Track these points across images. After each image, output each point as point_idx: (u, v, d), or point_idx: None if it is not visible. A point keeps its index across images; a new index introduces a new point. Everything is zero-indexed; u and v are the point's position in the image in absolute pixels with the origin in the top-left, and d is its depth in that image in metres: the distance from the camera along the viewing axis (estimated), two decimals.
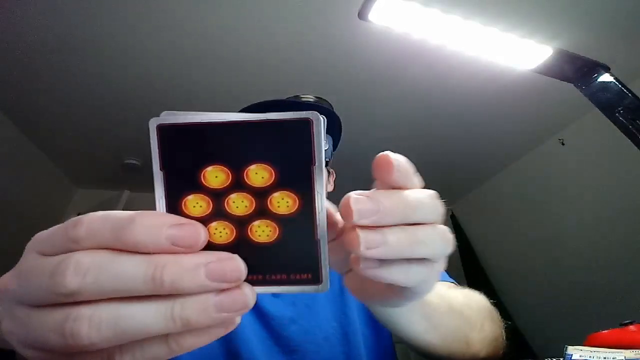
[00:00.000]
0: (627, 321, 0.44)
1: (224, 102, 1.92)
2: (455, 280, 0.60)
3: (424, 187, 0.21)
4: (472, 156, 2.45)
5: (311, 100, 0.80)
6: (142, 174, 2.64)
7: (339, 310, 0.57)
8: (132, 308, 0.16)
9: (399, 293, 0.22)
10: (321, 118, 0.18)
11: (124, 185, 2.58)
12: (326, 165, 0.68)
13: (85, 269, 0.16)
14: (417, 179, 0.21)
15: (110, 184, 2.75)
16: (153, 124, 0.19)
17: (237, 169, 0.18)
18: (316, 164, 0.19)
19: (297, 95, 0.83)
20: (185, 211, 0.18)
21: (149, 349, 0.17)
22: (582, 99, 0.67)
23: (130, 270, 0.16)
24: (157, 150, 0.18)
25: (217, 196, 0.18)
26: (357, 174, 2.55)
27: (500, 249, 2.56)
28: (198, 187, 0.18)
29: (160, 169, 0.19)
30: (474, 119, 2.10)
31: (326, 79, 1.80)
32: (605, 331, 0.44)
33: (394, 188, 0.20)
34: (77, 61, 1.67)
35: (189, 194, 0.18)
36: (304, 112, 0.18)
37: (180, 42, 1.59)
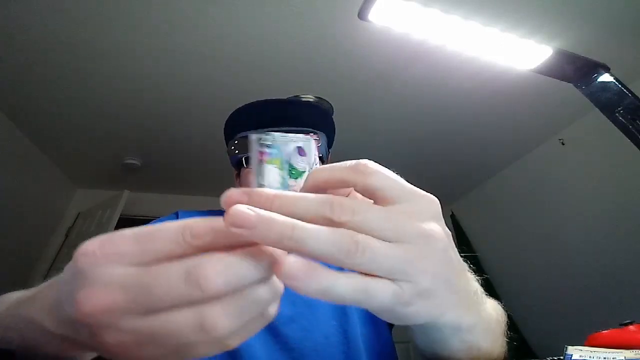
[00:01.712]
0: (627, 321, 0.44)
1: (223, 102, 1.92)
2: None
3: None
4: (472, 156, 2.45)
5: (311, 100, 0.80)
6: (142, 174, 2.64)
7: (338, 309, 0.57)
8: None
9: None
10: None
11: (124, 185, 2.58)
12: (322, 163, 0.68)
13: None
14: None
15: (110, 184, 2.75)
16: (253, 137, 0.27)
17: None
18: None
19: (297, 95, 0.84)
20: None
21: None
22: (582, 99, 0.67)
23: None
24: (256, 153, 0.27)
25: None
26: None
27: (500, 248, 2.56)
28: None
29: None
30: (474, 119, 2.10)
31: (326, 78, 1.80)
32: (605, 331, 0.44)
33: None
34: (77, 61, 1.67)
35: None
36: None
37: (180, 42, 1.59)
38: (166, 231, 0.19)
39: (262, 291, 0.20)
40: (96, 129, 2.17)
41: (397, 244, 0.20)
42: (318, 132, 0.68)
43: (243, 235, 0.18)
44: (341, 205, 0.20)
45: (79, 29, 1.50)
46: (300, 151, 0.27)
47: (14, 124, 2.12)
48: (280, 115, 0.67)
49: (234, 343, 0.20)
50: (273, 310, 0.21)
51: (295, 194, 0.21)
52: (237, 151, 0.68)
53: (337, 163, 0.24)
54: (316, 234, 0.19)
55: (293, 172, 0.27)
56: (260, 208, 0.19)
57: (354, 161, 0.23)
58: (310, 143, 0.28)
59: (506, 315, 0.48)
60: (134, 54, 1.64)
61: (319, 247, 0.19)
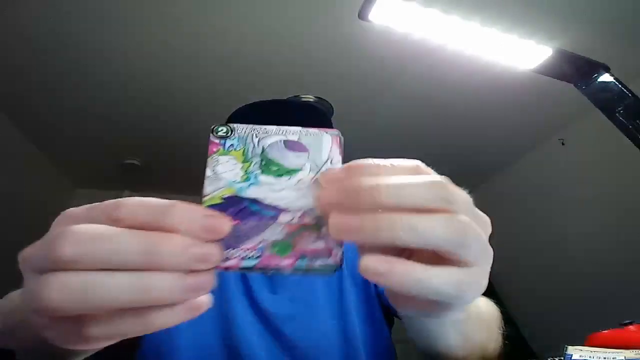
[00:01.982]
0: (627, 321, 0.44)
1: (223, 102, 1.91)
2: None
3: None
4: (472, 156, 2.45)
5: (311, 100, 0.80)
6: (142, 173, 2.64)
7: (337, 308, 0.57)
8: (104, 277, 0.17)
9: (428, 303, 0.21)
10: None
11: (124, 185, 2.58)
12: None
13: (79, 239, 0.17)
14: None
15: (110, 184, 2.75)
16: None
17: None
18: None
19: (297, 95, 0.83)
20: None
21: (120, 323, 0.18)
22: (582, 99, 0.67)
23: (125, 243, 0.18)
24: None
25: None
26: None
27: (500, 248, 2.54)
28: None
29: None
30: (474, 119, 2.10)
31: (326, 79, 1.79)
32: (605, 331, 0.44)
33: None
34: (78, 61, 1.67)
35: None
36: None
37: (179, 43, 1.59)
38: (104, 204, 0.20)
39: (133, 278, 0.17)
40: (96, 129, 2.16)
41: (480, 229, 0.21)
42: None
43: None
44: (453, 193, 0.20)
45: (79, 29, 1.50)
46: (292, 145, 0.24)
47: (14, 124, 2.12)
48: (278, 115, 0.67)
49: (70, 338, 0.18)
50: (161, 318, 0.18)
51: (401, 177, 0.20)
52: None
53: (393, 161, 0.22)
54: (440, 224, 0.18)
55: (273, 167, 0.23)
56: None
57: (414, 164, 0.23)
58: (321, 138, 0.24)
59: (499, 311, 0.48)
60: (135, 54, 1.64)
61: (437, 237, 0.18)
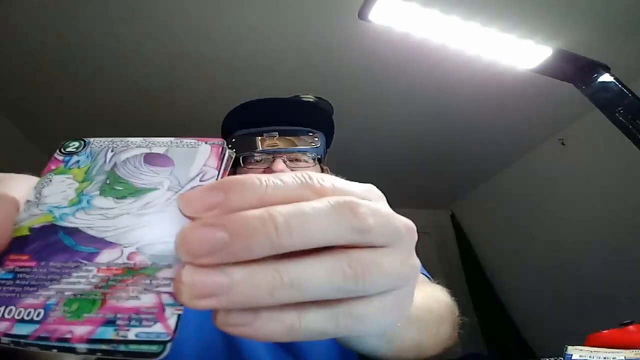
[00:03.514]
0: (627, 321, 0.44)
1: (223, 102, 1.91)
2: (430, 274, 0.59)
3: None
4: (472, 156, 2.45)
5: (311, 99, 0.80)
6: None
7: None
8: None
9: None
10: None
11: None
12: (320, 162, 0.69)
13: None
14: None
15: None
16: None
17: None
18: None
19: (297, 95, 0.83)
20: None
21: None
22: (582, 99, 0.67)
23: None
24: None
25: None
26: (357, 174, 2.55)
27: (500, 248, 2.56)
28: None
29: None
30: (473, 119, 2.10)
31: (326, 79, 1.79)
32: (605, 331, 0.44)
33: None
34: (78, 61, 1.67)
35: None
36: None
37: (179, 43, 1.59)
38: None
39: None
40: (96, 129, 2.16)
41: (390, 249, 0.16)
42: (316, 131, 0.67)
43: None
44: (365, 216, 0.15)
45: (80, 29, 1.50)
46: (153, 159, 0.18)
47: (14, 124, 2.12)
48: (277, 114, 0.67)
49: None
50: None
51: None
52: (234, 150, 0.66)
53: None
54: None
55: (118, 187, 0.17)
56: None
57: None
58: (195, 149, 0.18)
59: (452, 300, 0.46)
60: (135, 55, 1.64)
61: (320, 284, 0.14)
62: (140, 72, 1.75)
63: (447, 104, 1.99)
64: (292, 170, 0.63)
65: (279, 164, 0.61)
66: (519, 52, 0.66)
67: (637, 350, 0.38)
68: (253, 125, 0.67)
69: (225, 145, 0.19)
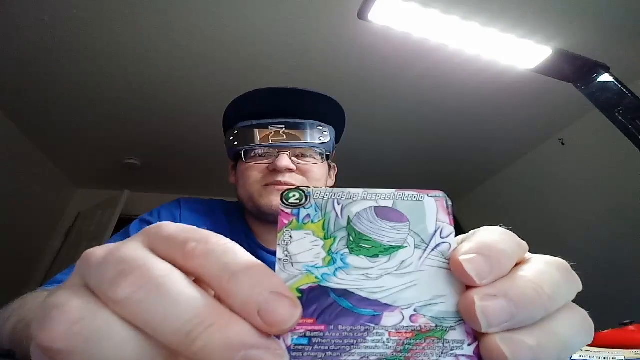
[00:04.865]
0: (627, 321, 0.44)
1: (223, 102, 1.91)
2: None
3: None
4: (473, 156, 2.45)
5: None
6: (142, 173, 2.64)
7: None
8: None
9: None
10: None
11: (124, 185, 2.58)
12: (327, 159, 0.65)
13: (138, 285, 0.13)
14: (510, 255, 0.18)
15: (110, 184, 2.75)
16: None
17: None
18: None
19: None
20: None
21: None
22: (582, 99, 0.67)
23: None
24: None
25: None
26: (357, 174, 2.55)
27: None
28: None
29: None
30: (474, 119, 2.10)
31: (326, 78, 1.80)
32: (605, 331, 0.44)
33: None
34: (78, 61, 1.67)
35: None
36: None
37: (180, 43, 1.59)
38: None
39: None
40: (96, 128, 2.17)
41: None
42: (326, 125, 0.63)
43: None
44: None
45: (80, 29, 1.50)
46: (386, 214, 0.18)
47: (14, 124, 2.12)
48: (284, 105, 0.62)
49: None
50: None
51: None
52: (236, 142, 0.61)
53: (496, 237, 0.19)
54: None
55: (365, 245, 0.17)
56: None
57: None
58: (422, 203, 0.18)
59: None
60: (135, 55, 1.64)
61: None
62: (140, 72, 1.75)
63: (446, 104, 1.99)
64: (297, 166, 0.59)
65: (284, 159, 0.57)
66: (519, 52, 0.66)
67: (637, 350, 0.38)
68: (257, 116, 0.62)
69: (447, 198, 0.19)
